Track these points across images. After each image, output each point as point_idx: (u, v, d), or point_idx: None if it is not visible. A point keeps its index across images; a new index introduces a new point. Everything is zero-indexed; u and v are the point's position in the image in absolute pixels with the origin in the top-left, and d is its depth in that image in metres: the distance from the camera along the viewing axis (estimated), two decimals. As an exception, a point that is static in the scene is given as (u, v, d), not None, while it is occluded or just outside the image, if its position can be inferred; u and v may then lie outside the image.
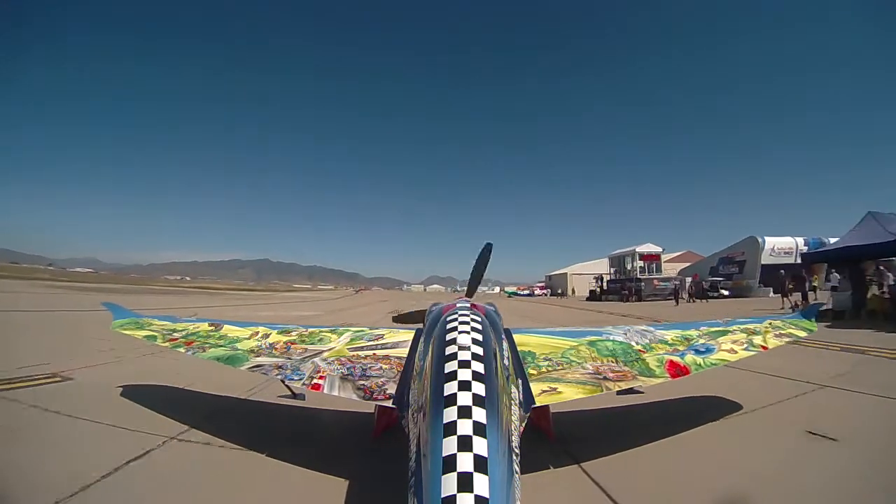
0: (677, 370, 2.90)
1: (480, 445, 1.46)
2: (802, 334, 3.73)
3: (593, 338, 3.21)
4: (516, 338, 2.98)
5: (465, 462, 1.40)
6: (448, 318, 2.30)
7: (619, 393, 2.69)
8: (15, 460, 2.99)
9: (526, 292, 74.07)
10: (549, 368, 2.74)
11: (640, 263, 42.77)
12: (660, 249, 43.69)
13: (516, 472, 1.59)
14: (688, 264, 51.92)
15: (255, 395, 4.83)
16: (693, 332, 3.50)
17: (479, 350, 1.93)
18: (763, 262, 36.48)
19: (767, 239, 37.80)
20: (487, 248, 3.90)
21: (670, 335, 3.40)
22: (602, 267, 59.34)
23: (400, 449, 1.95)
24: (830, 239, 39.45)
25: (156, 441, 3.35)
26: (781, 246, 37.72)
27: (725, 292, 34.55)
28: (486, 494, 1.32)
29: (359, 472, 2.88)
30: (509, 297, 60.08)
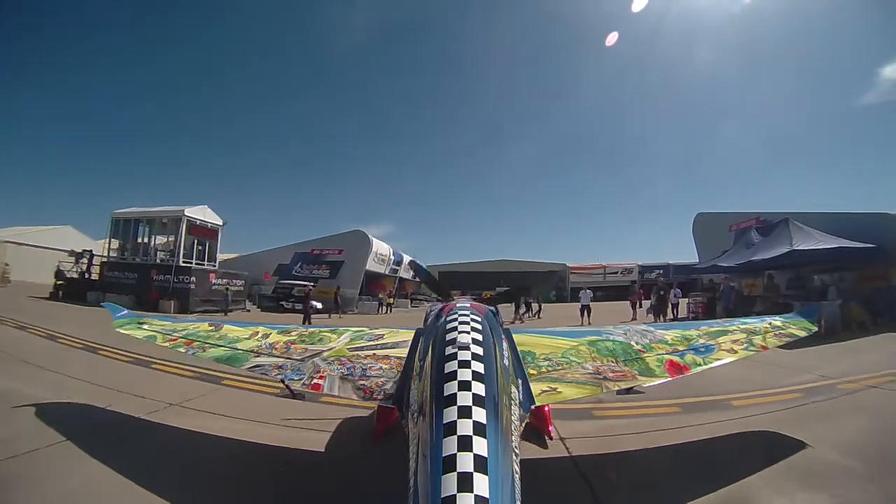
0: (677, 370, 2.91)
1: (480, 445, 1.46)
2: (802, 334, 3.74)
3: (593, 338, 3.21)
4: (516, 338, 2.99)
5: (465, 462, 1.40)
6: (448, 318, 2.30)
7: (618, 392, 2.71)
8: None
9: None
10: (549, 368, 2.75)
11: (156, 240, 22.85)
12: (220, 222, 23.96)
13: (516, 472, 1.59)
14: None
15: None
16: (693, 332, 3.50)
17: (479, 350, 1.93)
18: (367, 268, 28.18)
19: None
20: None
21: (670, 335, 3.41)
22: (61, 238, 31.67)
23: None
24: (404, 255, 33.40)
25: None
26: (382, 253, 30.44)
27: (319, 305, 20.75)
28: (486, 494, 1.32)
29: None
30: None
